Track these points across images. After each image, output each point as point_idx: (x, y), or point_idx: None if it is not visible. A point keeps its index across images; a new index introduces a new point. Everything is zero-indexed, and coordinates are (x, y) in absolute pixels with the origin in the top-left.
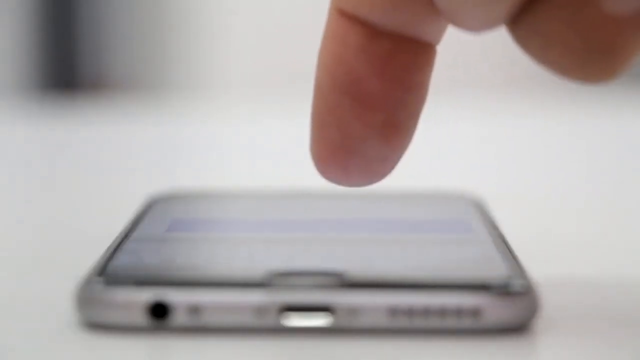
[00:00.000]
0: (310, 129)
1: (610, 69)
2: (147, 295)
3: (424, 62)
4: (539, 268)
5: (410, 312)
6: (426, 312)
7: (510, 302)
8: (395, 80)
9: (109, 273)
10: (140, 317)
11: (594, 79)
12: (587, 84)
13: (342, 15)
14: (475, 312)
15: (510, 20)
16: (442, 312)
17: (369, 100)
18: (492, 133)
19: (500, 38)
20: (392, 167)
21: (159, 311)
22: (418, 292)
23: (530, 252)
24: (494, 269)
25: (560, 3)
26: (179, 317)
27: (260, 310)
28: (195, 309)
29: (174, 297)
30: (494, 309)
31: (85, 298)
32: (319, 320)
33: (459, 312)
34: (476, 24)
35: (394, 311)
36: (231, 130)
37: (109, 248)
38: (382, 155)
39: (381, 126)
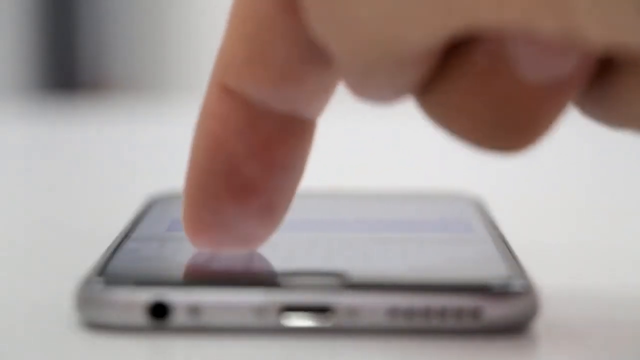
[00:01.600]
0: (182, 201)
1: (523, 142)
2: (147, 295)
3: (306, 140)
4: (538, 268)
5: (410, 312)
6: (426, 312)
7: (510, 302)
8: (276, 164)
9: (109, 273)
10: (140, 317)
11: (508, 150)
12: (500, 155)
13: (222, 91)
14: (475, 312)
15: (417, 92)
16: (442, 312)
17: (247, 188)
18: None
19: None
20: (266, 240)
21: (159, 311)
22: (418, 292)
23: (530, 252)
24: (494, 269)
25: (470, 75)
26: (179, 317)
27: (260, 310)
28: (195, 309)
29: (174, 297)
30: (494, 309)
31: (85, 298)
32: (319, 320)
33: (459, 312)
34: (380, 96)
35: (394, 311)
36: None
37: (109, 248)
38: (255, 234)
39: (257, 211)
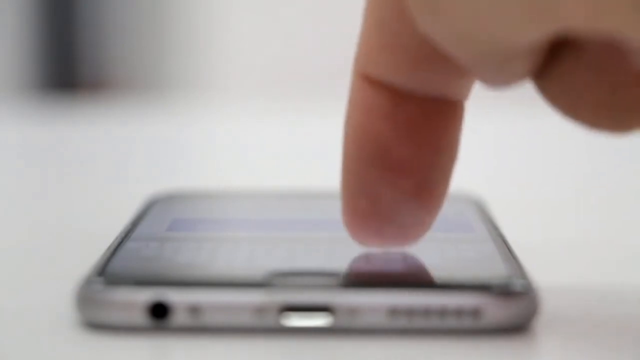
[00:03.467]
0: (341, 197)
1: (637, 123)
2: (147, 295)
3: (453, 121)
4: (539, 268)
5: (410, 312)
6: (426, 312)
7: (510, 302)
8: (425, 144)
9: (109, 273)
10: (140, 317)
11: (624, 131)
12: (616, 135)
13: (365, 80)
14: (475, 312)
15: (535, 75)
16: (442, 312)
17: (399, 168)
18: (492, 133)
19: None
20: (428, 228)
21: (159, 311)
22: (418, 292)
23: (530, 252)
24: (494, 269)
25: (586, 60)
26: (179, 317)
27: (260, 310)
28: (195, 309)
29: (174, 297)
30: (494, 309)
31: (85, 298)
32: (319, 320)
33: (459, 312)
34: (499, 81)
35: (394, 311)
36: (231, 130)
37: (109, 248)
38: (415, 219)
39: (413, 192)
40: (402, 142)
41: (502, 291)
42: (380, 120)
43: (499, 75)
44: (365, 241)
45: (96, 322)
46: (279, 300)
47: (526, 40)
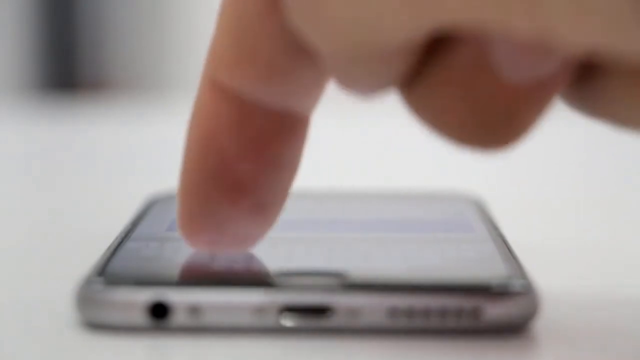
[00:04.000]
0: (176, 200)
1: (505, 140)
2: (147, 295)
3: (299, 136)
4: (538, 268)
5: (410, 312)
6: (426, 312)
7: (510, 302)
8: (269, 161)
9: (109, 273)
10: (140, 317)
11: (489, 148)
12: (482, 153)
13: (214, 87)
14: (475, 312)
15: (401, 85)
16: (442, 312)
17: (240, 185)
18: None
19: None
20: (260, 239)
21: (159, 311)
22: (418, 292)
23: (530, 252)
24: (494, 269)
25: (452, 72)
26: (179, 317)
27: (260, 310)
28: (195, 309)
29: (174, 297)
30: (494, 309)
31: (85, 298)
32: (319, 320)
33: (459, 312)
34: (364, 86)
35: (394, 311)
36: None
37: (109, 248)
38: (249, 232)
39: (251, 208)
40: (246, 159)
41: (502, 291)
42: (226, 132)
43: (366, 78)
44: (196, 245)
45: (96, 322)
46: (279, 300)
47: (404, 35)
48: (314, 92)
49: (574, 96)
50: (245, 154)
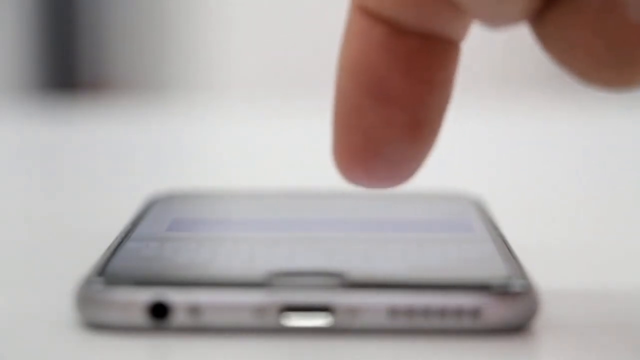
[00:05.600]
0: (331, 132)
1: (632, 78)
2: (147, 295)
3: (449, 60)
4: (538, 268)
5: (410, 312)
6: (426, 312)
7: (510, 302)
8: (420, 78)
9: (109, 273)
10: (140, 317)
11: (615, 86)
12: (607, 91)
13: (363, 13)
14: (475, 312)
15: (532, 17)
16: (442, 312)
17: (393, 100)
18: (492, 133)
19: (501, 37)
20: (418, 168)
21: (159, 311)
22: (418, 292)
23: (530, 252)
24: (494, 269)
25: (585, 6)
26: (179, 317)
27: (260, 310)
28: (195, 309)
29: (174, 297)
30: (494, 309)
31: (85, 298)
32: (319, 320)
33: (459, 312)
34: (496, 19)
35: (394, 311)
36: (231, 130)
37: (109, 248)
38: (407, 156)
39: (406, 126)
40: (398, 75)
41: (502, 291)
42: (378, 52)
43: (497, 12)
44: (354, 177)
45: (96, 322)
46: (279, 300)
47: None
48: (459, 19)
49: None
50: (397, 70)
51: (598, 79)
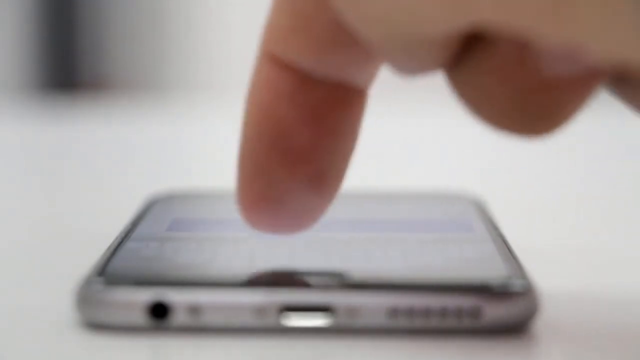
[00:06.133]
0: (236, 177)
1: (545, 128)
2: (147, 295)
3: (356, 109)
4: (538, 268)
5: (410, 312)
6: (426, 312)
7: (510, 302)
8: (326, 130)
9: (109, 273)
10: (140, 317)
11: (529, 135)
12: (522, 139)
13: (271, 61)
14: (475, 312)
15: (446, 67)
16: (442, 312)
17: (298, 154)
18: (492, 133)
19: None
20: (321, 215)
21: (159, 311)
22: (418, 292)
23: (530, 252)
24: (494, 269)
25: (496, 59)
26: (179, 317)
27: (260, 310)
28: (195, 309)
29: (174, 297)
30: (494, 309)
31: (85, 298)
32: (319, 320)
33: (459, 312)
34: (410, 68)
35: (394, 311)
36: (231, 130)
37: (109, 248)
38: (310, 205)
39: (310, 178)
40: (304, 127)
41: (502, 291)
42: (284, 103)
43: (410, 62)
44: (258, 225)
45: (96, 322)
46: (279, 300)
47: (440, 31)
48: (368, 66)
49: (614, 88)
50: (303, 122)
51: (511, 131)
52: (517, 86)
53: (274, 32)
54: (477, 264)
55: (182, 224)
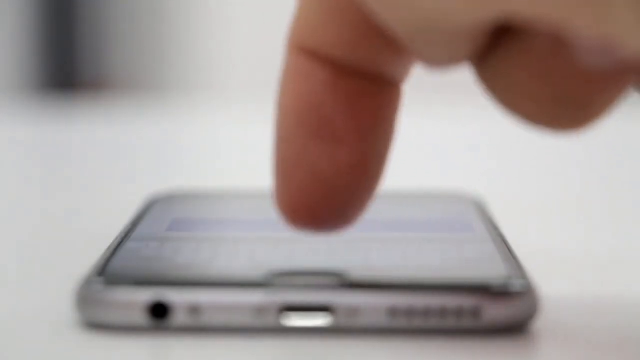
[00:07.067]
0: (273, 177)
1: (579, 122)
2: (147, 295)
3: (391, 103)
4: (538, 269)
5: (410, 312)
6: (426, 312)
7: (510, 302)
8: (366, 116)
9: (109, 273)
10: (140, 317)
11: (562, 129)
12: (554, 134)
13: (303, 53)
14: (475, 312)
15: (475, 60)
16: (442, 312)
17: (339, 140)
18: (492, 133)
19: None
20: (363, 212)
21: (159, 311)
22: (418, 292)
23: (530, 252)
24: (494, 269)
25: (528, 51)
26: (179, 317)
27: (260, 310)
28: (195, 309)
29: (174, 297)
30: (494, 309)
31: (85, 298)
32: (319, 320)
33: (459, 312)
34: (438, 61)
35: (394, 311)
36: (231, 130)
37: (109, 248)
38: (353, 200)
39: (352, 166)
40: (342, 115)
41: (502, 291)
42: (321, 92)
43: (439, 55)
44: (299, 222)
45: (96, 322)
46: (279, 300)
47: (468, 22)
48: (401, 60)
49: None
50: (341, 110)
51: (543, 124)
52: (551, 79)
53: (304, 25)
54: (477, 264)
55: (182, 224)
